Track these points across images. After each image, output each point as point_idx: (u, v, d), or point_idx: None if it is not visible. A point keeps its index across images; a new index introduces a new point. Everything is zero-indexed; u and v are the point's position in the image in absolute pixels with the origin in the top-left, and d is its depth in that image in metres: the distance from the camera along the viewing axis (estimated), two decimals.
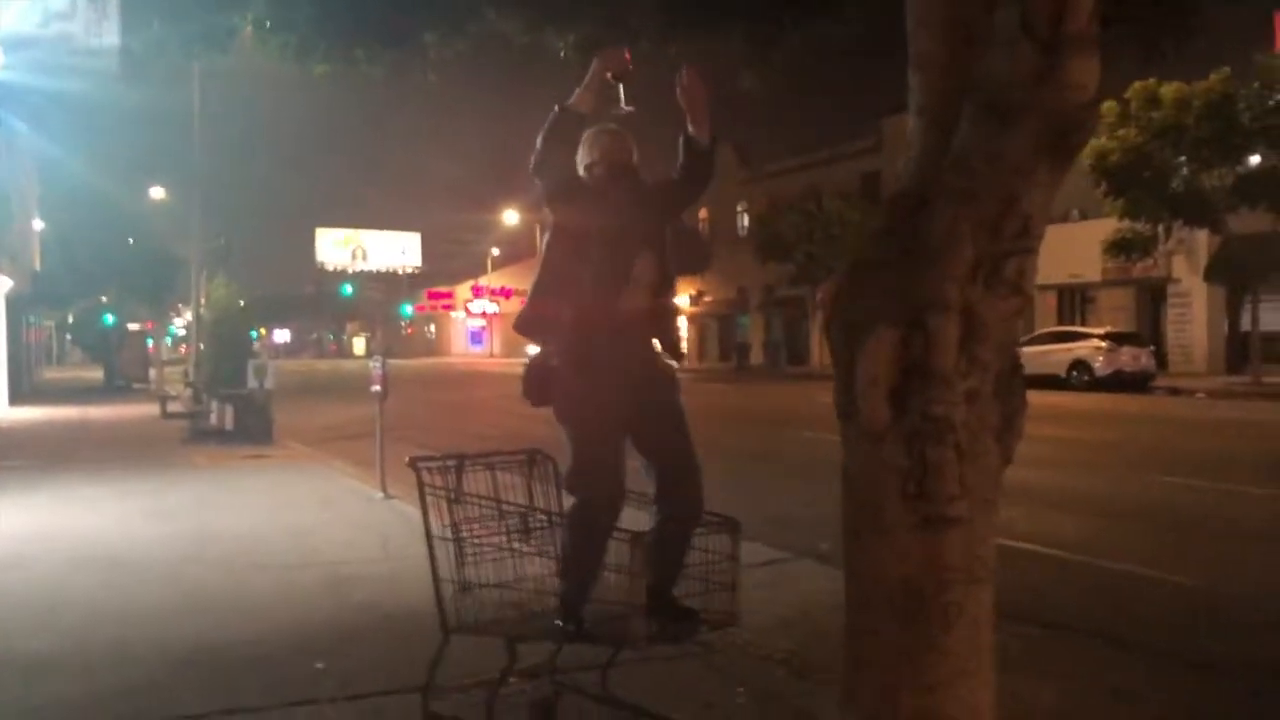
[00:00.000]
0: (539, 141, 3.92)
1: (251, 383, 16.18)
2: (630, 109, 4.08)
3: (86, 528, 9.05)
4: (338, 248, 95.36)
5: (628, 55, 4.05)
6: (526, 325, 3.94)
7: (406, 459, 3.80)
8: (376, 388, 10.92)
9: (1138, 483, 11.77)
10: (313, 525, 9.08)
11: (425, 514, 3.67)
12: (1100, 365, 28.79)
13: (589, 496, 3.71)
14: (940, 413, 2.87)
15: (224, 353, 18.09)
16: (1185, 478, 11.89)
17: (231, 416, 16.35)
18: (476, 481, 3.78)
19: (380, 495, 10.21)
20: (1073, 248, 36.38)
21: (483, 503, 3.68)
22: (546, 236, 4.06)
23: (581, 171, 4.03)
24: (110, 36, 7.48)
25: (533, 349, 4.04)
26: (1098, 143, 28.64)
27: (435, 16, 5.19)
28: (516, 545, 3.67)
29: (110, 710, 4.44)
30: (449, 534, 3.63)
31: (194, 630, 5.73)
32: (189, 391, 20.45)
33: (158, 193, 40.58)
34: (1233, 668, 5.28)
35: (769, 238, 43.14)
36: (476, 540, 3.64)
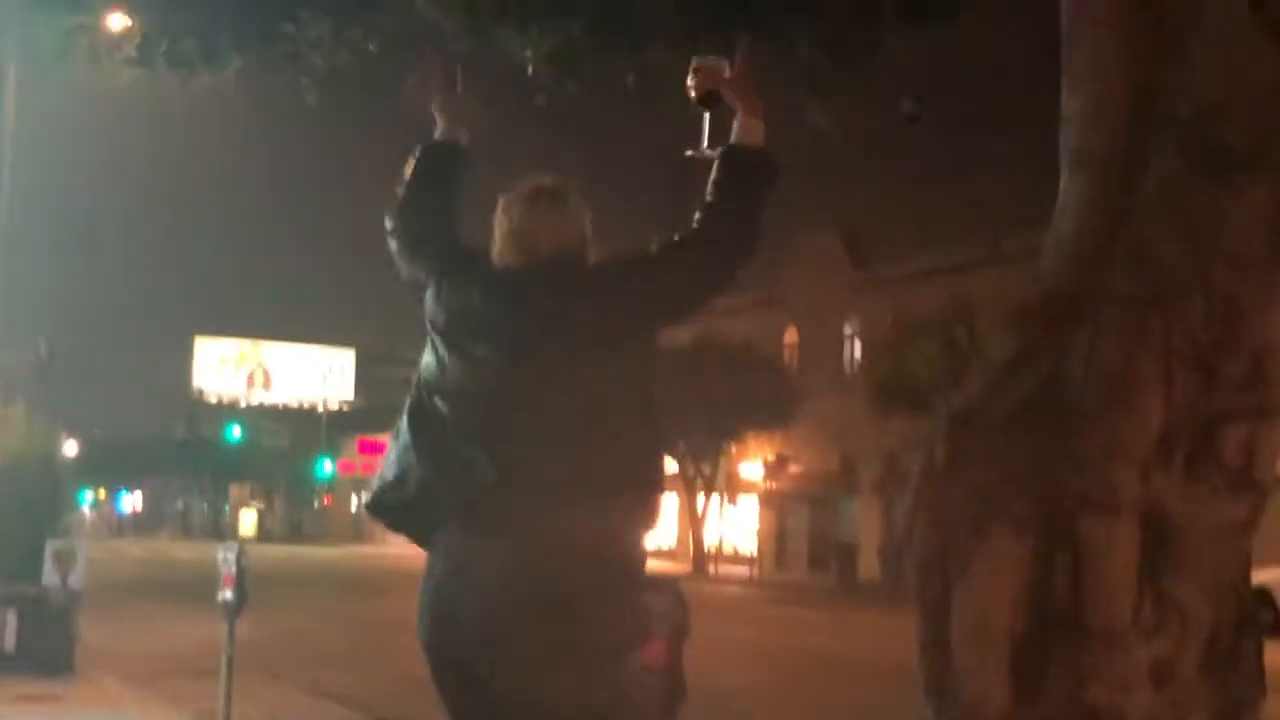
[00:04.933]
0: None
1: (48, 577, 11.97)
2: (711, 154, 2.94)
3: None
4: (227, 367, 73.44)
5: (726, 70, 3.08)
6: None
7: None
8: (227, 595, 7.72)
9: None
10: None
11: None
12: None
13: None
14: (1102, 700, 1.82)
15: (13, 526, 12.95)
16: None
17: (13, 629, 11.94)
18: None
19: None
20: None
21: None
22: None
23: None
24: None
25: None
26: None
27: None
28: None
29: None
30: None
31: None
32: None
33: None
34: None
35: (893, 377, 32.04)
36: None
